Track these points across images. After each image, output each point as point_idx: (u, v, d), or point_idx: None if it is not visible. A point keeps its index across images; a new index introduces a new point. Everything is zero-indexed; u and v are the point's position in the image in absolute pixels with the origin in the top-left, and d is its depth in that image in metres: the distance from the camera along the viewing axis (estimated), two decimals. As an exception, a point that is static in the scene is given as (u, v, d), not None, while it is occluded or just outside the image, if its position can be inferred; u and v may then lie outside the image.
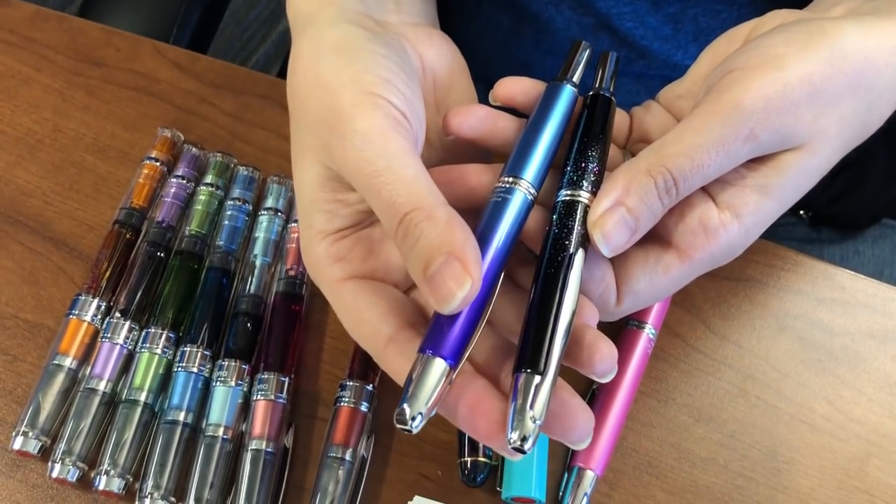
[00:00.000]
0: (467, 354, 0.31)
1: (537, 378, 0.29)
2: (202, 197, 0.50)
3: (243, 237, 0.50)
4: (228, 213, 0.50)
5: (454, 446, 0.46)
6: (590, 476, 0.44)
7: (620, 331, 0.48)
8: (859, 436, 0.47)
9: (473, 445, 0.44)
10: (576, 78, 0.38)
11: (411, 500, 0.44)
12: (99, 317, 0.47)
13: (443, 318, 0.30)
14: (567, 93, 0.37)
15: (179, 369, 0.45)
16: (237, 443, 0.44)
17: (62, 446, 0.43)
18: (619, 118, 0.40)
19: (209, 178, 0.51)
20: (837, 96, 0.35)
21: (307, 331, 0.48)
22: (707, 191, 0.35)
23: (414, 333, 0.33)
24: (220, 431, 0.44)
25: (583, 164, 0.35)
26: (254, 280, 0.48)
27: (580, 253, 0.33)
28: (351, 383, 0.45)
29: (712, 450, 0.47)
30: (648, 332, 0.47)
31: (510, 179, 0.34)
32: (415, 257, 0.30)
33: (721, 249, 0.34)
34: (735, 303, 0.50)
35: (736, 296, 0.50)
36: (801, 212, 0.70)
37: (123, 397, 0.45)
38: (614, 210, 0.32)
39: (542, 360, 0.30)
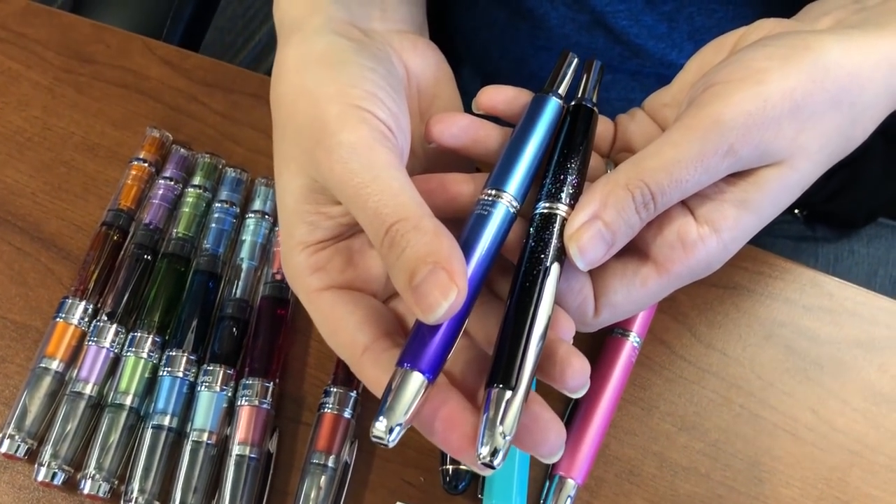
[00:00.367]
0: (442, 368, 0.31)
1: (508, 393, 0.30)
2: (190, 199, 0.50)
3: (230, 240, 0.50)
4: (216, 215, 0.50)
5: (437, 452, 0.46)
6: (571, 484, 0.45)
7: (605, 339, 0.48)
8: (842, 446, 0.47)
9: (456, 453, 0.45)
10: (562, 90, 0.38)
11: (393, 506, 0.45)
12: (86, 319, 0.47)
13: (422, 331, 0.30)
14: (552, 105, 0.37)
15: (165, 374, 0.45)
16: (221, 447, 0.45)
17: (48, 449, 0.44)
18: (603, 126, 0.40)
19: (197, 180, 0.51)
20: (819, 112, 0.34)
21: (293, 335, 0.49)
22: (686, 204, 0.35)
23: (391, 343, 0.33)
24: (205, 436, 0.44)
25: (562, 177, 0.35)
26: (240, 284, 0.48)
27: (556, 267, 0.33)
28: (335, 389, 0.45)
29: (694, 459, 0.47)
30: (633, 340, 0.47)
31: (493, 192, 0.34)
32: (400, 267, 0.30)
33: (699, 263, 0.34)
34: (722, 310, 0.50)
35: (723, 303, 0.50)
36: (797, 210, 0.70)
37: (109, 401, 0.45)
38: (591, 224, 0.32)
39: (514, 376, 0.30)
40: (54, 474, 0.44)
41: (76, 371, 0.46)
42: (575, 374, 0.31)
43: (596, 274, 0.35)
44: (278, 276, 0.48)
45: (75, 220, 0.51)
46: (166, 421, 0.45)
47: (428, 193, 0.35)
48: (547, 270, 0.32)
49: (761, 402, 0.48)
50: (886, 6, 0.37)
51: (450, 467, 0.45)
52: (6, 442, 0.44)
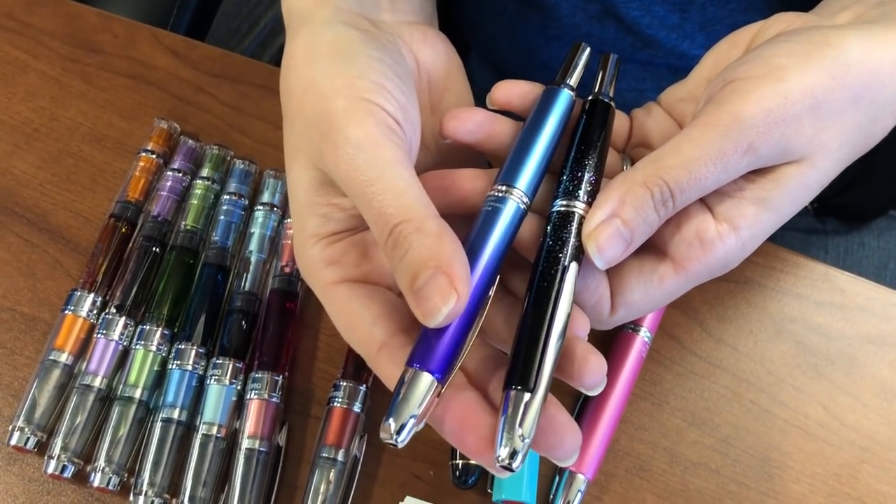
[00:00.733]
0: (457, 368, 0.31)
1: (527, 396, 0.29)
2: (198, 191, 0.50)
3: (239, 232, 0.50)
4: (224, 207, 0.50)
5: (447, 446, 0.46)
6: (580, 479, 0.45)
7: (615, 334, 0.47)
8: (853, 442, 0.47)
9: (465, 447, 0.45)
10: (573, 81, 0.37)
11: (403, 500, 0.44)
12: (94, 312, 0.47)
13: (431, 331, 0.30)
14: (564, 97, 0.36)
15: (174, 367, 0.45)
16: (231, 441, 0.45)
17: (58, 442, 0.44)
18: (619, 121, 0.39)
19: (205, 172, 0.51)
20: (840, 109, 0.34)
21: (302, 328, 0.48)
22: (705, 202, 0.34)
23: (407, 339, 0.33)
24: (214, 430, 0.44)
25: (579, 174, 0.34)
26: (249, 277, 0.48)
27: (573, 266, 0.32)
28: (344, 383, 0.45)
29: (705, 454, 0.47)
30: (644, 335, 0.47)
31: (503, 188, 0.33)
32: (403, 269, 0.30)
33: (717, 262, 0.34)
34: (732, 305, 0.50)
35: (734, 298, 0.50)
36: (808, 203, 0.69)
37: (119, 394, 0.45)
38: (609, 222, 0.32)
39: (533, 378, 0.30)
40: (64, 467, 0.44)
41: (85, 364, 0.46)
42: (592, 372, 0.31)
43: (613, 272, 0.34)
44: (287, 269, 0.48)
45: (83, 212, 0.51)
46: (175, 414, 0.45)
47: (442, 190, 0.35)
48: (565, 270, 0.32)
49: (772, 398, 0.48)
50: None
51: (459, 462, 0.44)
52: (16, 434, 0.44)
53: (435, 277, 0.29)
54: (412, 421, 0.29)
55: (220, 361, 0.45)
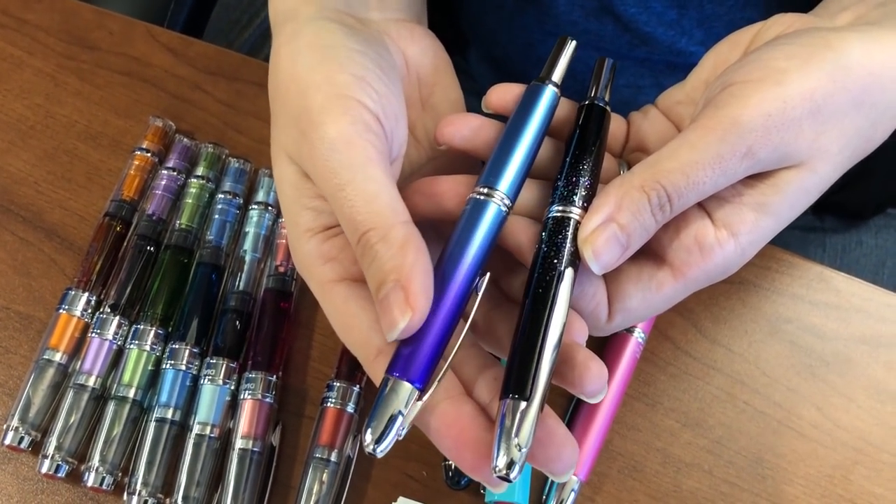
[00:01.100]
0: (440, 376, 0.30)
1: (523, 404, 0.29)
2: (193, 190, 0.50)
3: (233, 231, 0.50)
4: (219, 206, 0.50)
5: (440, 447, 0.46)
6: (573, 480, 0.45)
7: (609, 335, 0.47)
8: (846, 443, 0.47)
9: (458, 448, 0.45)
10: (558, 77, 0.37)
11: (396, 500, 0.45)
12: (89, 311, 0.47)
13: (410, 339, 0.30)
14: (546, 94, 0.36)
15: (168, 367, 0.45)
16: (224, 441, 0.45)
17: (52, 441, 0.44)
18: (616, 125, 0.39)
19: (200, 171, 0.51)
20: (840, 113, 0.33)
21: (296, 328, 0.48)
22: (704, 207, 0.34)
23: None
24: (208, 430, 0.44)
25: (574, 179, 0.34)
26: (243, 276, 0.48)
27: (569, 272, 0.32)
28: (338, 384, 0.45)
29: (698, 455, 0.47)
30: (638, 336, 0.47)
31: (484, 190, 0.33)
32: (369, 277, 0.30)
33: (716, 268, 0.34)
34: (728, 305, 0.50)
35: (729, 298, 0.50)
36: (805, 200, 0.69)
37: (113, 393, 0.45)
38: (605, 226, 0.32)
39: (529, 386, 0.29)
40: (58, 466, 0.44)
41: (79, 363, 0.46)
42: (593, 379, 0.31)
43: (610, 278, 0.34)
44: (281, 269, 0.48)
45: (78, 210, 0.51)
46: (169, 414, 0.45)
47: (427, 196, 0.35)
48: (561, 275, 0.32)
49: (766, 399, 0.48)
50: None
51: (452, 463, 0.45)
52: (10, 433, 0.44)
53: (395, 290, 0.29)
54: (392, 431, 0.29)
55: (214, 361, 0.45)
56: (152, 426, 0.44)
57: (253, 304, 0.48)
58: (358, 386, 0.45)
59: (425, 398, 0.30)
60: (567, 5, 0.57)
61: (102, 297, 0.48)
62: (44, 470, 0.44)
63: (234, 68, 0.55)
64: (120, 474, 0.44)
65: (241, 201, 0.51)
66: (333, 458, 0.44)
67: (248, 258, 0.49)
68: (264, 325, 0.47)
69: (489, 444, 0.29)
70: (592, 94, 0.37)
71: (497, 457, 0.28)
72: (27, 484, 0.45)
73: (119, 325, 0.46)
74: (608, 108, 0.37)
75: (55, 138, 0.53)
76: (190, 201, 0.50)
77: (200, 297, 0.47)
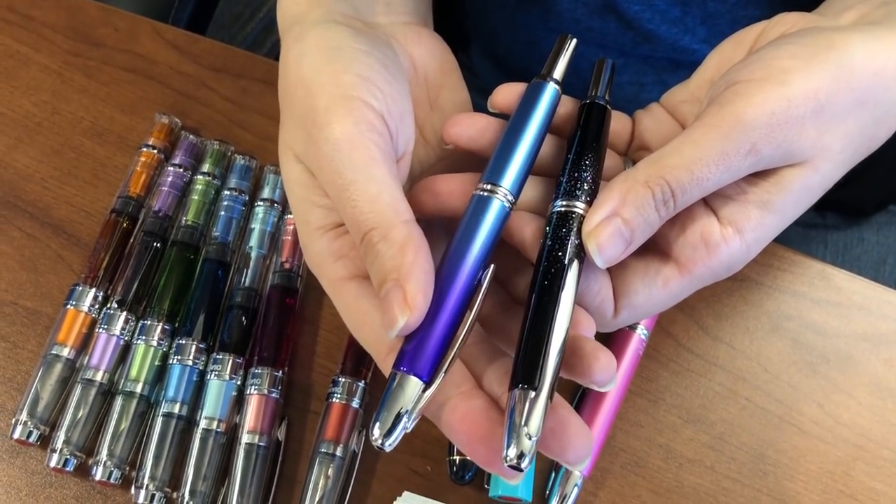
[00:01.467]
0: (445, 369, 0.31)
1: (532, 393, 0.29)
2: (199, 186, 0.51)
3: (239, 228, 0.50)
4: (225, 203, 0.50)
5: (444, 442, 0.46)
6: (576, 475, 0.45)
7: (613, 331, 0.48)
8: (847, 440, 0.47)
9: (462, 443, 0.45)
10: (559, 74, 0.37)
11: (400, 495, 0.45)
12: (96, 307, 0.47)
13: (416, 334, 0.30)
14: (547, 91, 0.36)
15: (175, 362, 0.46)
16: (231, 435, 0.45)
17: (60, 435, 0.44)
18: (621, 123, 0.39)
19: (206, 167, 0.51)
20: (843, 112, 0.34)
21: (302, 324, 0.49)
22: (709, 205, 0.34)
23: None
24: (215, 424, 0.45)
25: (577, 174, 0.34)
26: (249, 272, 0.49)
27: (575, 265, 0.32)
28: (343, 379, 0.46)
29: (700, 451, 0.47)
30: (640, 332, 0.47)
31: (488, 187, 0.33)
32: (373, 276, 0.31)
33: (721, 265, 0.34)
34: (730, 302, 0.50)
35: (731, 295, 0.50)
36: (807, 197, 0.69)
37: (120, 388, 0.46)
38: (610, 221, 0.32)
39: (537, 375, 0.30)
40: (66, 460, 0.44)
41: (87, 358, 0.46)
42: (602, 368, 0.31)
43: (616, 274, 0.35)
44: (287, 265, 0.49)
45: (85, 207, 0.52)
46: (176, 409, 0.45)
47: (432, 195, 0.35)
48: (566, 267, 0.32)
49: (767, 396, 0.48)
50: None
51: (457, 458, 0.45)
52: (19, 427, 0.45)
53: (395, 289, 0.29)
54: (400, 425, 0.29)
55: (221, 357, 0.46)
56: (159, 421, 0.45)
57: (259, 300, 0.48)
58: (363, 381, 0.46)
59: (431, 390, 0.30)
60: (570, 3, 0.57)
61: (109, 292, 0.48)
62: (52, 464, 0.44)
63: (240, 65, 0.56)
64: (127, 468, 0.45)
65: (247, 198, 0.51)
66: (339, 452, 0.44)
67: (253, 254, 0.49)
68: (270, 321, 0.47)
69: (502, 437, 0.30)
70: (593, 93, 0.38)
71: (508, 447, 0.29)
72: (36, 478, 0.45)
73: (126, 321, 0.47)
74: (609, 105, 0.37)
75: (62, 135, 0.53)
76: (196, 198, 0.50)
77: (207, 293, 0.48)
